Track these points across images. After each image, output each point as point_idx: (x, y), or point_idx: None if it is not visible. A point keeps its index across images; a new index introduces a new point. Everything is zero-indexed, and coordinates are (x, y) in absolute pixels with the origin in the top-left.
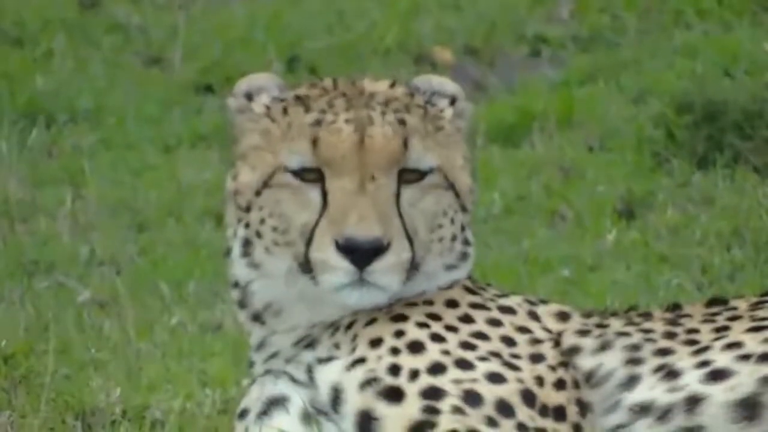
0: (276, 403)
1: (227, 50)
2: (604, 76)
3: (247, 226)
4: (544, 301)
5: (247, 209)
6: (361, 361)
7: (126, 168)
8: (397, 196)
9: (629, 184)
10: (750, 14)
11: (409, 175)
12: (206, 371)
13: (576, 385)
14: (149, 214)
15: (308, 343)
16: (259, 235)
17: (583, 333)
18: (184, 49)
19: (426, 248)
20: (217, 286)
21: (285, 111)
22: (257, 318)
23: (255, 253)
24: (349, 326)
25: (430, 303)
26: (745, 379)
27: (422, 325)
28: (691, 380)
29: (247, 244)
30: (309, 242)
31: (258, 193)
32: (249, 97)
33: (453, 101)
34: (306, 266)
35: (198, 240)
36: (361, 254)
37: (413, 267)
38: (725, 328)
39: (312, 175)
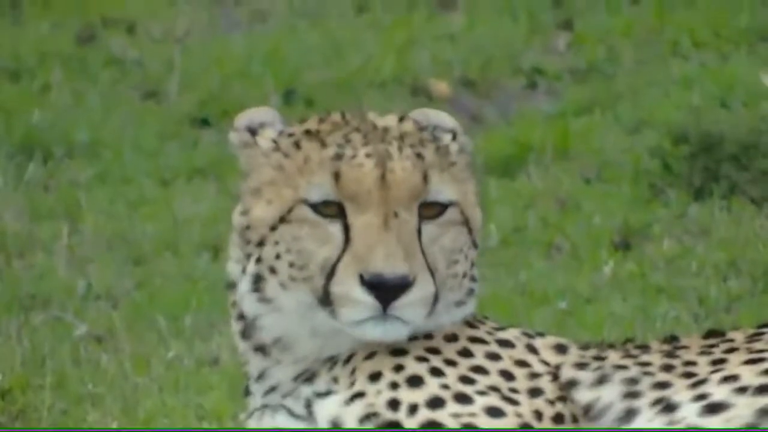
0: None
1: (224, 83)
2: (600, 108)
3: (258, 260)
4: (541, 334)
5: (260, 244)
6: (360, 395)
7: (122, 201)
8: (419, 231)
9: (626, 216)
10: (747, 45)
11: (428, 210)
12: (203, 405)
13: (574, 419)
14: (146, 247)
15: (307, 377)
16: (273, 270)
17: (581, 366)
18: (181, 82)
19: (443, 284)
20: (214, 319)
21: (297, 145)
22: (261, 350)
23: (267, 288)
24: (348, 360)
25: (429, 337)
26: (742, 411)
27: (421, 359)
28: (689, 414)
29: (258, 279)
30: (330, 276)
31: (274, 228)
32: (252, 131)
33: (454, 136)
34: (325, 300)
35: (195, 273)
36: (387, 290)
37: (435, 301)
38: (722, 361)
39: (332, 209)
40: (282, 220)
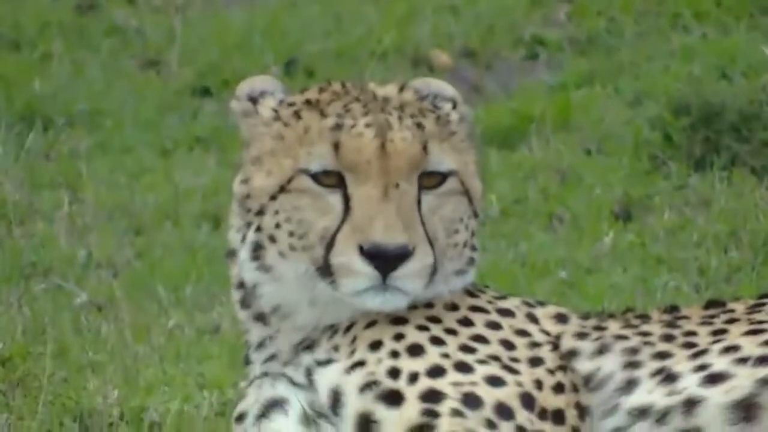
0: (274, 405)
1: (224, 54)
2: (601, 80)
3: (258, 229)
4: (541, 303)
5: (260, 213)
6: (361, 364)
7: (123, 171)
8: (418, 201)
9: (626, 187)
10: (747, 17)
11: (428, 180)
12: (203, 374)
13: (575, 388)
14: (146, 217)
15: (307, 345)
16: (272, 239)
17: (581, 336)
18: (182, 52)
19: (443, 253)
20: (214, 289)
21: (298, 115)
22: (261, 318)
23: (267, 256)
24: (348, 328)
25: (430, 306)
26: (742, 382)
27: (422, 328)
28: (690, 384)
29: (258, 247)
30: (329, 247)
31: (273, 198)
32: (253, 100)
33: (454, 105)
34: (325, 270)
35: (195, 243)
36: (387, 260)
37: (434, 272)
38: (723, 331)
39: (332, 179)
40: (282, 189)
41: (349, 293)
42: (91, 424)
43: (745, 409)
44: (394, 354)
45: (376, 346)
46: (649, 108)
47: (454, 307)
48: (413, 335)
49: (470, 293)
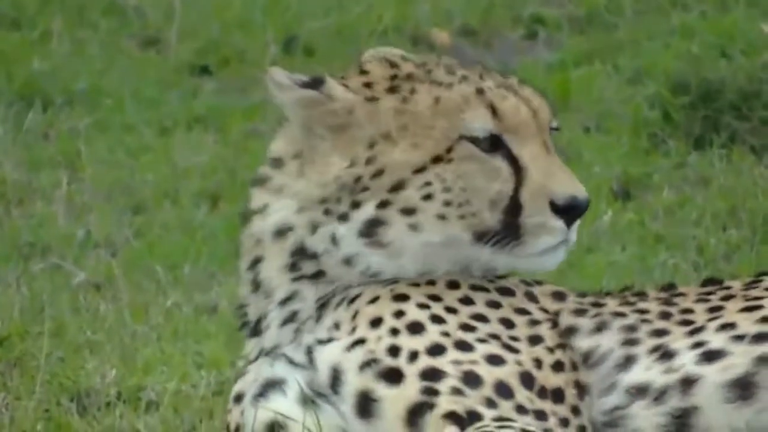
0: (273, 385)
1: (224, 31)
2: (600, 58)
3: (384, 205)
4: (539, 282)
5: (396, 189)
6: (361, 342)
7: (122, 150)
8: None
9: (625, 165)
10: None
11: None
12: (201, 353)
13: (574, 366)
14: (145, 196)
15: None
16: (409, 212)
17: (580, 313)
18: (181, 30)
19: None
20: (212, 268)
21: (413, 90)
22: (316, 276)
23: (387, 233)
24: (352, 301)
25: (431, 283)
26: (739, 360)
27: (423, 305)
28: (687, 361)
29: (374, 224)
30: (513, 209)
31: (421, 170)
32: (308, 85)
33: None
34: (508, 233)
35: (194, 222)
36: (579, 212)
37: None
38: (719, 308)
39: (491, 143)
40: (438, 159)
41: (538, 252)
42: (89, 404)
43: (742, 387)
44: (394, 331)
45: (376, 323)
46: (649, 86)
47: (455, 286)
48: (414, 313)
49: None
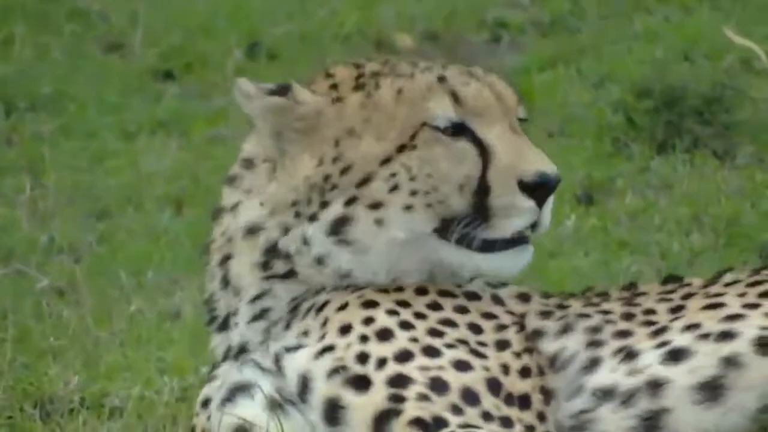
0: (240, 390)
1: (188, 37)
2: (564, 62)
3: (351, 202)
4: (503, 284)
5: (363, 183)
6: (330, 349)
7: (86, 155)
8: None
9: (589, 170)
10: None
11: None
12: (165, 359)
13: (540, 371)
14: (109, 201)
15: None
16: (377, 206)
17: (546, 315)
18: (145, 35)
19: None
20: (176, 274)
21: (377, 85)
22: (287, 275)
23: (352, 231)
24: (321, 308)
25: (400, 290)
26: (705, 361)
27: (392, 312)
28: (651, 361)
29: (341, 222)
30: (481, 191)
31: (386, 161)
32: (274, 92)
33: None
34: (478, 216)
35: (157, 227)
36: (550, 188)
37: None
38: (681, 308)
39: (455, 129)
40: (402, 148)
41: (508, 234)
42: (52, 410)
43: (710, 390)
44: (363, 338)
45: (345, 330)
46: (612, 91)
47: (423, 291)
48: (383, 319)
49: None
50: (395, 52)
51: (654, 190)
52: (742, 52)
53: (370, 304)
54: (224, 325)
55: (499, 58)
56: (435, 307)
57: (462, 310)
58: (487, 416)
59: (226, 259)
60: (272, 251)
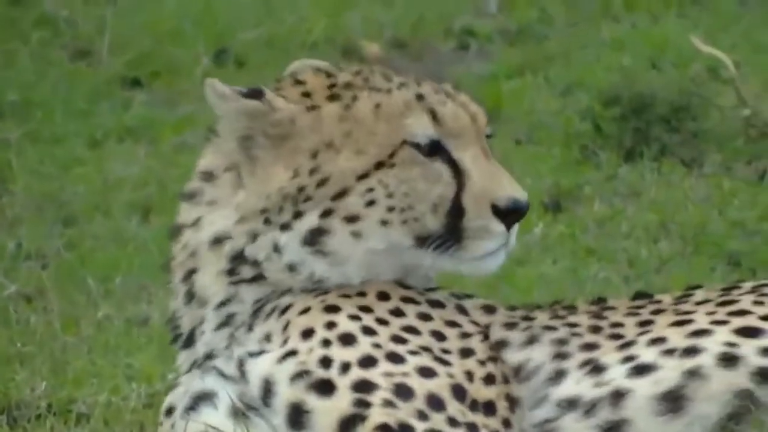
0: (204, 398)
1: (155, 44)
2: (531, 70)
3: (327, 214)
4: (468, 295)
5: (339, 196)
6: (293, 353)
7: (53, 162)
8: None
9: (556, 178)
10: (678, 7)
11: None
12: (132, 365)
13: (505, 379)
14: (76, 208)
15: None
16: (353, 219)
17: (510, 326)
18: (112, 42)
19: None
20: (143, 280)
21: (355, 98)
22: (255, 279)
23: (330, 241)
24: (284, 311)
25: (362, 295)
26: (669, 374)
27: (354, 317)
28: (617, 375)
29: (317, 233)
30: (455, 213)
31: (363, 176)
32: (249, 95)
33: None
34: (451, 236)
35: (125, 234)
36: (521, 215)
37: None
38: (649, 322)
39: (432, 148)
40: (380, 165)
41: (479, 256)
42: (19, 416)
43: (671, 400)
44: (326, 343)
45: (308, 334)
46: (580, 98)
47: (385, 297)
48: (345, 324)
49: (401, 284)
50: (363, 60)
51: (622, 197)
52: (709, 60)
53: (332, 309)
54: (189, 342)
55: (467, 66)
56: (398, 313)
57: (425, 317)
58: (452, 422)
59: (190, 273)
60: (238, 258)
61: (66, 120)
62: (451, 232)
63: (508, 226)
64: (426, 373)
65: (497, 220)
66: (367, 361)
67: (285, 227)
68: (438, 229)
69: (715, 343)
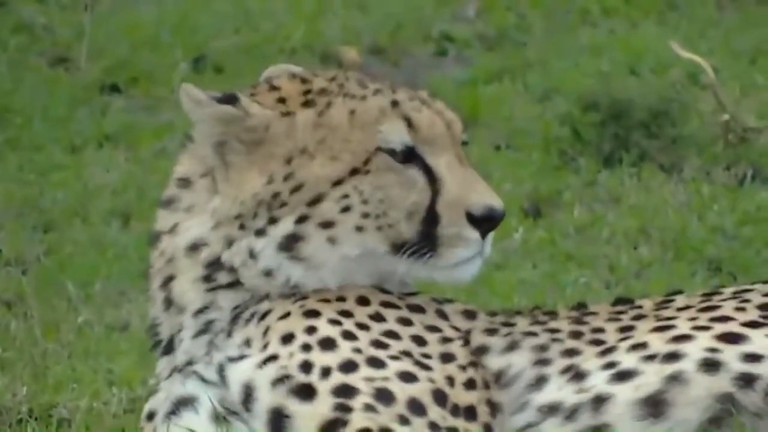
0: (184, 403)
1: (134, 50)
2: (510, 75)
3: (302, 220)
4: (449, 300)
5: (314, 202)
6: (273, 358)
7: (32, 168)
8: None
9: (536, 183)
10: (656, 12)
11: None
12: (113, 370)
13: (486, 384)
14: (55, 214)
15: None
16: (328, 225)
17: (491, 332)
18: (90, 48)
19: None
20: (123, 286)
21: (329, 104)
22: (232, 285)
23: (305, 247)
24: (263, 317)
25: (342, 299)
26: (650, 379)
27: (334, 321)
28: (598, 381)
29: (293, 240)
30: (430, 220)
31: (338, 183)
32: (223, 101)
33: None
34: (425, 243)
35: (104, 240)
36: (495, 223)
37: None
38: (630, 328)
39: (407, 155)
40: (355, 171)
41: (453, 263)
42: (0, 421)
43: (652, 405)
44: (306, 347)
45: (288, 339)
46: (559, 104)
47: (365, 302)
48: (325, 329)
49: (382, 289)
50: (341, 66)
51: (601, 203)
52: (688, 65)
53: (312, 314)
54: (168, 348)
55: (445, 71)
56: (378, 318)
57: (406, 322)
58: (434, 427)
59: (168, 280)
60: (214, 264)
61: (45, 126)
62: (426, 239)
63: (483, 234)
64: (407, 377)
65: (472, 228)
66: (348, 366)
67: (260, 233)
68: (413, 236)
69: (697, 349)
